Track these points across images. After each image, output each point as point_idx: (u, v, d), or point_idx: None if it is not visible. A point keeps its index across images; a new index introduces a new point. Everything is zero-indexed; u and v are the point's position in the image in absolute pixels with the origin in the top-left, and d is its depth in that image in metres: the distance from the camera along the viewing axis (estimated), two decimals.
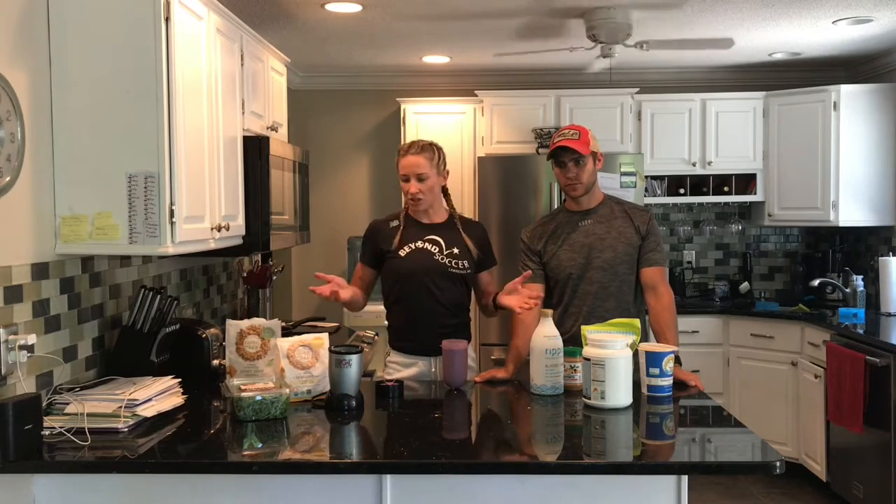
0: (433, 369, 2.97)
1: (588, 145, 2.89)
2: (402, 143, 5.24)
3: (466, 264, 2.97)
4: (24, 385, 2.22)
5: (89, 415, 2.23)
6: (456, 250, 2.97)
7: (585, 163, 2.90)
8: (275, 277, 4.31)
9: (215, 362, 2.92)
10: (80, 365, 2.58)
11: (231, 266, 4.23)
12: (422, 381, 2.94)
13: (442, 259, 2.94)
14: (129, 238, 2.39)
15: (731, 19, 4.19)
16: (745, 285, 5.51)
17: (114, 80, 2.39)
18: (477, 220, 5.04)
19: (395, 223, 3.01)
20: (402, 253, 2.94)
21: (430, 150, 2.95)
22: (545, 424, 2.48)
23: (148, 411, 2.34)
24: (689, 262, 5.76)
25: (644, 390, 2.62)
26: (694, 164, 5.34)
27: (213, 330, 2.96)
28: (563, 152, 2.88)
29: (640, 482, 2.15)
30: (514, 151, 5.16)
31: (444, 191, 3.05)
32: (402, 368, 3.00)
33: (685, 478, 2.14)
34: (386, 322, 3.12)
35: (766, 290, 5.67)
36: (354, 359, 2.49)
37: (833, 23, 4.27)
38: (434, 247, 2.96)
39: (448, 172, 3.03)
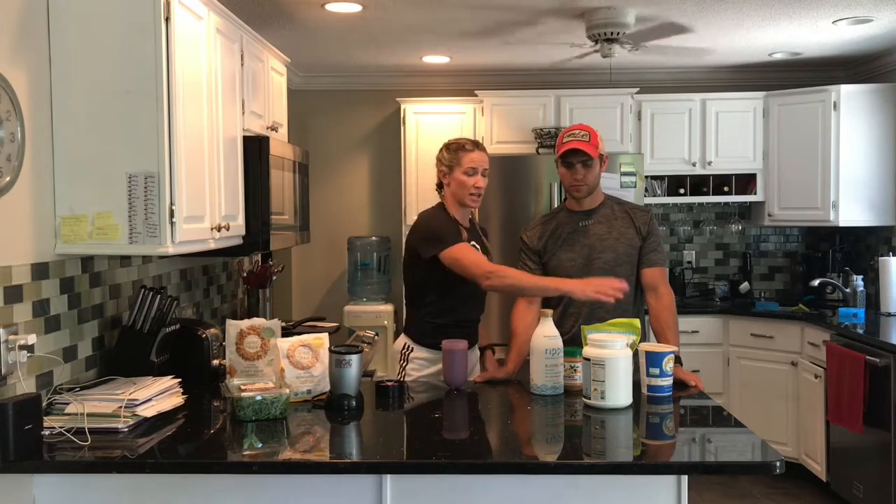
0: None
1: (597, 148, 2.92)
2: (405, 143, 5.31)
3: None
4: (24, 385, 2.22)
5: (89, 415, 2.23)
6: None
7: (593, 165, 2.92)
8: (275, 277, 4.31)
9: (215, 362, 2.92)
10: (80, 365, 2.58)
11: (231, 266, 4.23)
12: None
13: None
14: (129, 238, 2.39)
15: (731, 19, 4.19)
16: (745, 285, 5.51)
17: (114, 80, 2.39)
18: (476, 220, 5.06)
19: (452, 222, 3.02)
20: None
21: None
22: (545, 424, 2.48)
23: (148, 411, 2.34)
24: (689, 262, 5.76)
25: (644, 390, 2.62)
26: (694, 164, 5.34)
27: (213, 330, 2.96)
28: (574, 153, 2.89)
29: (640, 482, 2.15)
30: (514, 151, 5.16)
31: None
32: (429, 365, 2.98)
33: (685, 478, 2.14)
34: (410, 317, 3.12)
35: (766, 290, 5.67)
36: (354, 359, 2.49)
37: (833, 23, 4.27)
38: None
39: None
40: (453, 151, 2.99)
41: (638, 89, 5.30)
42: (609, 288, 2.61)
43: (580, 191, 2.95)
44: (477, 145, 3.02)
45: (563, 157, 2.92)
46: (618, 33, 4.14)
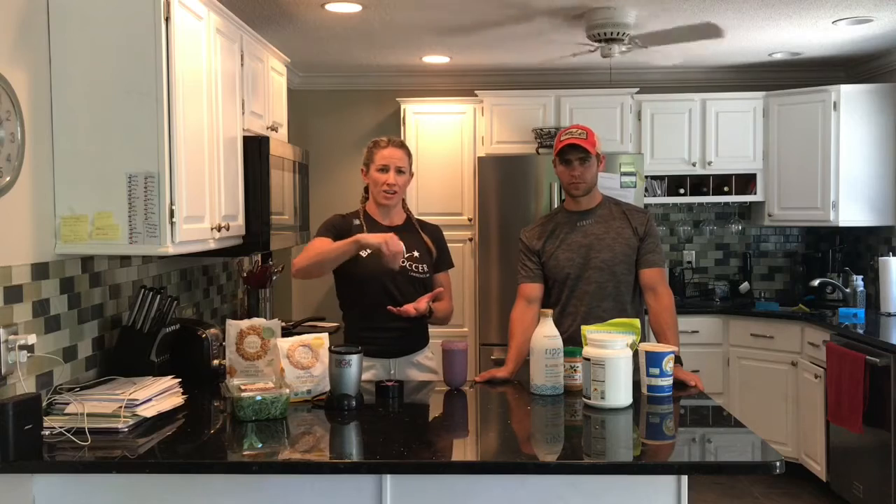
0: (392, 371, 2.94)
1: (594, 146, 2.94)
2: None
3: (426, 268, 2.95)
4: (24, 385, 2.22)
5: (89, 415, 2.23)
6: (416, 253, 2.95)
7: (591, 162, 2.93)
8: (275, 277, 4.31)
9: (215, 362, 2.92)
10: (80, 365, 2.58)
11: (231, 266, 4.24)
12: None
13: (403, 262, 2.85)
14: (129, 238, 2.40)
15: (730, 19, 4.19)
16: (745, 285, 5.51)
17: (114, 80, 2.39)
18: (476, 220, 5.07)
19: (357, 222, 2.97)
20: (362, 254, 2.86)
21: (407, 148, 3.02)
22: (545, 424, 2.48)
23: (148, 411, 2.34)
24: (689, 262, 5.76)
25: (644, 390, 2.62)
26: (694, 164, 5.34)
27: (213, 330, 2.96)
28: (571, 150, 2.90)
29: (640, 482, 2.15)
30: (514, 151, 5.16)
31: None
32: (364, 371, 2.89)
33: (685, 478, 2.14)
34: (342, 323, 3.10)
35: (766, 290, 5.67)
36: (354, 359, 2.49)
37: (833, 23, 4.27)
38: None
39: (413, 175, 3.05)
40: (370, 149, 2.99)
41: (638, 89, 5.30)
42: (394, 244, 2.66)
43: (578, 188, 2.96)
44: (392, 142, 2.96)
45: (560, 153, 2.93)
46: (618, 33, 4.14)
